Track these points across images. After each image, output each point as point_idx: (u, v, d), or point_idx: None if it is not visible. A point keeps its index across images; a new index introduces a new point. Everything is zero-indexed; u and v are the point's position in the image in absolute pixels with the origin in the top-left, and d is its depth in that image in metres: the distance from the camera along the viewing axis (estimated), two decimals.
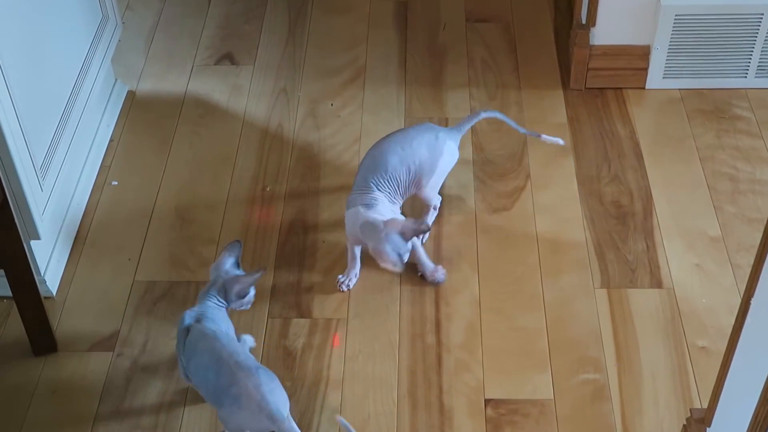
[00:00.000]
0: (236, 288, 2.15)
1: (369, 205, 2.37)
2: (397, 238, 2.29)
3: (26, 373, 2.32)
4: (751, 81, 3.00)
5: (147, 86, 3.13)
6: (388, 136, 2.52)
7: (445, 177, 2.53)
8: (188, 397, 2.26)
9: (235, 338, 2.15)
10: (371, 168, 2.43)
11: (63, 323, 2.43)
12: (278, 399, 1.98)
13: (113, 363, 2.34)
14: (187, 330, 2.10)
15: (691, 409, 1.98)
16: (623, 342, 2.35)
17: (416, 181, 2.46)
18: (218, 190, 2.76)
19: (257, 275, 2.17)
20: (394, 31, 3.31)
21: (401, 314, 2.43)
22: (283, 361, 2.33)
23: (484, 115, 2.60)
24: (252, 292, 2.19)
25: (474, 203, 2.69)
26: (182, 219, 2.68)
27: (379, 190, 2.40)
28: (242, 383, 1.97)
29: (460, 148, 2.55)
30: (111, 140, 2.92)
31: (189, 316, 2.13)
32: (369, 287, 2.49)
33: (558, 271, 2.51)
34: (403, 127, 2.90)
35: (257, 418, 1.96)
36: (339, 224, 2.63)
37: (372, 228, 2.32)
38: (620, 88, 3.04)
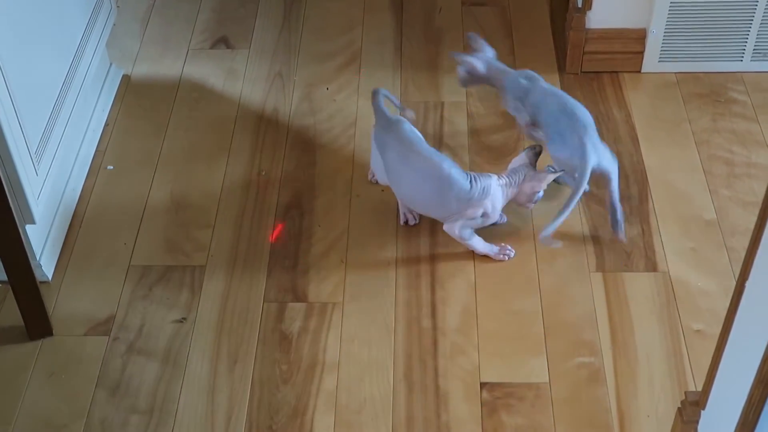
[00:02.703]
0: (536, 184, 2.41)
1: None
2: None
3: (22, 358, 2.32)
4: (747, 64, 3.00)
5: (142, 70, 3.12)
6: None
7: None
8: (184, 380, 2.26)
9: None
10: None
11: (59, 307, 2.43)
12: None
13: (109, 347, 2.34)
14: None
15: (686, 392, 1.99)
16: (618, 325, 2.36)
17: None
18: (214, 175, 2.75)
19: (559, 173, 2.45)
20: (390, 15, 3.30)
21: (397, 298, 2.43)
22: (279, 344, 2.33)
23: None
24: (541, 193, 2.43)
25: None
26: (178, 203, 2.68)
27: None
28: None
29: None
30: (106, 125, 2.91)
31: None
32: (365, 271, 2.49)
33: (553, 254, 2.51)
34: (397, 111, 2.91)
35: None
36: (334, 208, 2.63)
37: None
38: (616, 72, 3.03)
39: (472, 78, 2.70)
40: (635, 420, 2.17)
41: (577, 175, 2.42)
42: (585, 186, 2.43)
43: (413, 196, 2.47)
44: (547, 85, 2.61)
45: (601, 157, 2.44)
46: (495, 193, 2.42)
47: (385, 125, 2.48)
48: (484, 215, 2.44)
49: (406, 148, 2.43)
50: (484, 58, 2.67)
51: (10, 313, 2.39)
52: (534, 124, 2.60)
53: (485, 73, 2.67)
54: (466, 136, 2.84)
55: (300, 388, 2.25)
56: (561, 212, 2.40)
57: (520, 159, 2.48)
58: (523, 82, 2.61)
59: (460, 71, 2.70)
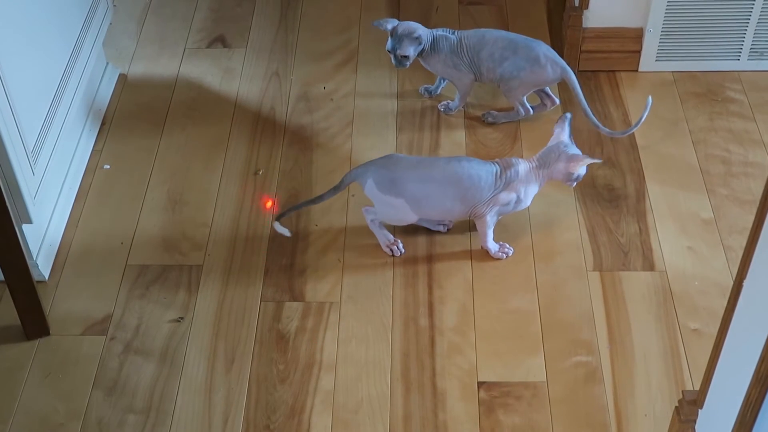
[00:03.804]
0: (571, 165, 2.39)
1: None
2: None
3: (19, 357, 2.32)
4: (744, 63, 3.00)
5: (139, 69, 3.12)
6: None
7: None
8: (182, 380, 2.26)
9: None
10: None
11: (55, 307, 2.43)
12: None
13: (106, 346, 2.34)
14: None
15: (683, 391, 1.99)
16: (616, 324, 2.36)
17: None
18: (210, 174, 2.75)
19: (596, 160, 2.44)
20: (387, 14, 3.30)
21: (394, 297, 2.43)
22: (276, 344, 2.33)
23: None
24: (583, 171, 2.43)
25: None
26: (174, 202, 2.68)
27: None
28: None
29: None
30: (103, 124, 2.91)
31: None
32: (362, 270, 2.49)
33: (551, 253, 2.51)
34: (395, 111, 2.91)
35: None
36: (331, 207, 2.63)
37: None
38: (613, 71, 3.03)
39: (410, 46, 2.73)
40: (632, 419, 2.17)
41: (568, 80, 2.71)
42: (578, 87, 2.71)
43: (448, 207, 2.43)
44: (482, 31, 2.77)
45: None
46: (526, 176, 2.41)
47: (383, 165, 2.43)
48: (518, 201, 2.43)
49: (420, 168, 2.42)
50: (401, 22, 2.76)
51: (6, 312, 2.39)
52: (479, 76, 2.76)
53: (422, 36, 2.74)
54: (464, 134, 2.84)
55: (297, 387, 2.25)
56: (584, 107, 2.69)
57: (555, 137, 2.47)
58: (453, 37, 2.75)
59: (405, 50, 2.72)
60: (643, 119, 2.64)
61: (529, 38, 2.76)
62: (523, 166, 2.42)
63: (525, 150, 2.78)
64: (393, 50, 2.73)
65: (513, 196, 2.41)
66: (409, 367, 2.28)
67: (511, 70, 2.72)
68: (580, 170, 2.43)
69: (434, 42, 2.75)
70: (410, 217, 2.46)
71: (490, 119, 2.85)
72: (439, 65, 2.78)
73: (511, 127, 2.85)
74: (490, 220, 2.44)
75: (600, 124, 2.70)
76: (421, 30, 2.72)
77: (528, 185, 2.43)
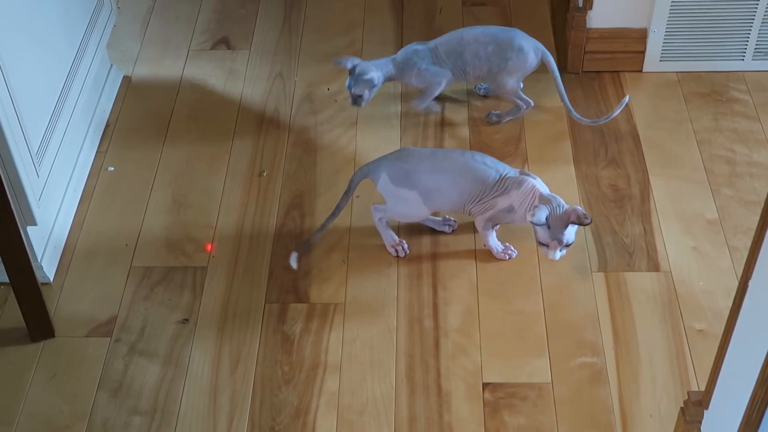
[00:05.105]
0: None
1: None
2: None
3: (24, 359, 2.32)
4: (749, 64, 3.00)
5: (143, 71, 3.12)
6: None
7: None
8: (186, 381, 2.26)
9: None
10: None
11: (60, 309, 2.43)
12: None
13: (111, 348, 2.34)
14: None
15: (688, 392, 1.99)
16: (621, 325, 2.35)
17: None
18: (215, 176, 2.75)
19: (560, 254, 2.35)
20: (390, 16, 3.30)
21: (399, 298, 2.43)
22: (281, 345, 2.33)
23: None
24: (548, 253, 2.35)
25: None
26: (179, 204, 2.68)
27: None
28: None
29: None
30: (107, 126, 2.91)
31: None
32: (366, 272, 2.49)
33: None
34: (399, 112, 2.91)
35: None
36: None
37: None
38: (617, 72, 3.03)
39: (364, 88, 2.73)
40: (638, 420, 2.17)
41: (549, 62, 2.76)
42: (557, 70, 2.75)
43: (455, 199, 2.41)
44: (457, 33, 2.78)
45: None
46: (527, 193, 2.33)
47: (397, 158, 2.43)
48: (511, 210, 2.36)
49: (433, 159, 2.41)
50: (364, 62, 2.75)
51: (11, 314, 2.39)
52: (464, 75, 2.78)
53: (374, 78, 2.73)
54: (468, 136, 2.84)
55: (302, 388, 2.25)
56: (560, 90, 2.74)
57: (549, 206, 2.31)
58: (423, 48, 2.77)
59: (359, 89, 2.74)
60: (615, 114, 2.72)
61: (504, 28, 2.80)
62: (529, 185, 2.33)
63: (529, 150, 2.78)
64: (349, 89, 2.75)
65: (507, 204, 2.37)
66: (414, 368, 2.28)
67: (498, 62, 2.73)
68: (570, 236, 2.32)
69: (404, 63, 2.75)
70: (422, 212, 2.45)
71: (494, 119, 2.85)
72: (414, 78, 2.79)
73: (515, 128, 2.85)
74: (484, 223, 2.43)
75: (573, 109, 2.74)
76: (373, 72, 2.72)
77: (524, 204, 2.34)
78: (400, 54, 2.78)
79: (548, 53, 2.76)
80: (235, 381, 2.26)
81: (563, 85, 2.76)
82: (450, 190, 2.39)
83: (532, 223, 2.29)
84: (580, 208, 2.28)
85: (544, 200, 2.31)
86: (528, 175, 2.38)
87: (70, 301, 2.45)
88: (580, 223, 2.27)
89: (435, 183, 2.39)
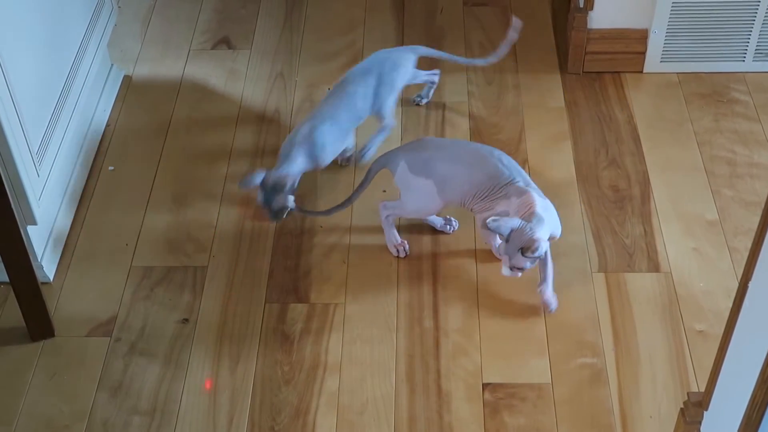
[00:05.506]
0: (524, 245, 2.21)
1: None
2: None
3: (23, 359, 2.32)
4: (749, 65, 3.00)
5: (143, 71, 3.12)
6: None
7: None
8: (186, 381, 2.26)
9: None
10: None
11: (60, 308, 2.43)
12: None
13: (111, 348, 2.34)
14: None
15: (688, 393, 1.99)
16: (621, 326, 2.35)
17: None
18: (215, 175, 2.75)
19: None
20: (391, 15, 3.30)
21: (399, 298, 2.43)
22: (281, 345, 2.33)
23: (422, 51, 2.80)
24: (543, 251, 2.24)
25: None
26: (179, 204, 2.68)
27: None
28: None
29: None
30: (107, 125, 2.91)
31: None
32: (366, 272, 2.49)
33: (556, 255, 2.51)
34: (399, 110, 2.90)
35: None
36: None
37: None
38: (618, 72, 3.03)
39: (287, 195, 2.47)
40: (638, 421, 2.17)
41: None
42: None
43: (466, 190, 2.36)
44: (333, 98, 2.66)
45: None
46: (521, 204, 2.28)
47: (416, 147, 2.42)
48: (505, 215, 2.29)
49: (451, 148, 2.41)
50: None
51: (11, 314, 2.39)
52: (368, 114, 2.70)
53: (292, 174, 2.48)
54: (469, 134, 2.83)
55: (302, 388, 2.25)
56: (443, 57, 2.80)
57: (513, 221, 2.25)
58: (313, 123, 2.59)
59: (285, 200, 2.46)
60: (507, 44, 2.76)
61: (367, 58, 2.73)
62: (529, 198, 2.28)
63: (530, 150, 2.78)
64: (267, 204, 2.46)
65: (504, 209, 2.32)
66: (414, 369, 2.28)
67: (388, 89, 2.67)
68: (520, 261, 2.25)
69: (316, 137, 2.57)
70: (434, 204, 2.42)
71: (423, 101, 2.94)
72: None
73: (515, 129, 2.85)
74: (484, 222, 2.40)
75: (458, 58, 2.80)
76: (288, 179, 2.46)
77: (518, 214, 2.28)
78: (310, 132, 2.57)
79: (417, 47, 2.78)
80: (235, 381, 2.26)
81: (455, 55, 2.81)
82: (463, 181, 2.37)
83: (492, 228, 2.22)
84: (540, 243, 2.20)
85: (530, 217, 2.24)
86: (535, 190, 2.32)
87: (70, 300, 2.45)
88: (525, 251, 2.21)
89: (451, 172, 2.37)
